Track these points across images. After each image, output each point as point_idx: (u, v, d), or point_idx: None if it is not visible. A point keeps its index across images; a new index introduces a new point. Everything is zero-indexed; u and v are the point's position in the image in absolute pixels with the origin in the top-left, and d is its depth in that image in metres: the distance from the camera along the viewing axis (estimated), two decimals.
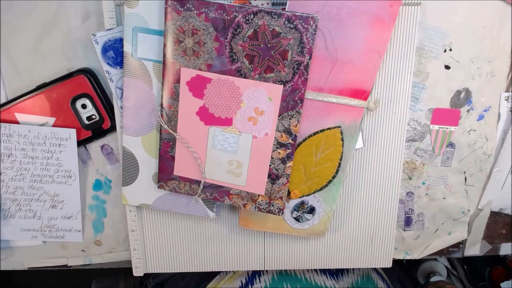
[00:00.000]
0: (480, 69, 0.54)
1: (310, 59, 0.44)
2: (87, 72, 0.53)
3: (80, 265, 0.62)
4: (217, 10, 0.44)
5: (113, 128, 0.55)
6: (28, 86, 0.53)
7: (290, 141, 0.48)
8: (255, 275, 0.64)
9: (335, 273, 0.65)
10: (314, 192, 0.53)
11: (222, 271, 0.67)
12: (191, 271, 0.59)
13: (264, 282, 0.62)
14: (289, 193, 0.52)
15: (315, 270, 0.65)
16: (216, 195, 0.51)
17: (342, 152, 0.51)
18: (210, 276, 0.69)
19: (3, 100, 0.54)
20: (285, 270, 0.64)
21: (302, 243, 0.58)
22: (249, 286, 0.62)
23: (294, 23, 0.43)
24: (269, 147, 0.48)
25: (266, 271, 0.64)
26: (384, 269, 0.73)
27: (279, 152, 0.49)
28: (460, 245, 0.63)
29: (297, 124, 0.47)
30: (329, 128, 0.50)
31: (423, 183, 0.58)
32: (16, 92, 0.54)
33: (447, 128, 0.56)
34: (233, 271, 0.66)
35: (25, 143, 0.54)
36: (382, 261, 0.59)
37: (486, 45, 0.53)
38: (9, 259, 0.62)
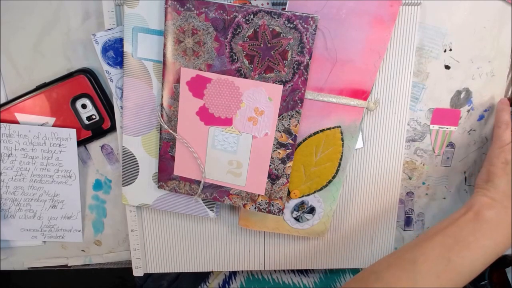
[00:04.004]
0: (480, 69, 0.54)
1: (310, 59, 0.44)
2: (87, 72, 0.53)
3: (80, 265, 0.62)
4: (217, 10, 0.44)
5: (113, 128, 0.55)
6: (28, 86, 0.53)
7: (290, 141, 0.48)
8: (224, 284, 0.64)
9: (304, 270, 0.65)
10: (314, 192, 0.53)
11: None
12: (191, 271, 0.59)
13: None
14: (289, 193, 0.52)
15: (283, 269, 0.65)
16: (216, 195, 0.51)
17: (342, 152, 0.51)
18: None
19: (3, 100, 0.54)
20: (252, 275, 0.64)
21: (302, 243, 0.58)
22: None
23: (294, 23, 0.43)
24: (269, 147, 0.48)
25: (235, 278, 0.64)
26: None
27: (279, 152, 0.49)
28: None
29: (297, 124, 0.47)
30: (329, 128, 0.50)
31: (423, 183, 0.58)
32: (16, 92, 0.54)
33: (447, 128, 0.56)
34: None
35: (25, 143, 0.54)
36: None
37: (486, 45, 0.53)
38: (9, 259, 0.62)
